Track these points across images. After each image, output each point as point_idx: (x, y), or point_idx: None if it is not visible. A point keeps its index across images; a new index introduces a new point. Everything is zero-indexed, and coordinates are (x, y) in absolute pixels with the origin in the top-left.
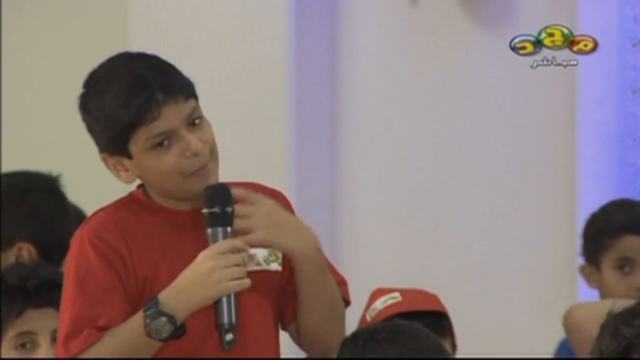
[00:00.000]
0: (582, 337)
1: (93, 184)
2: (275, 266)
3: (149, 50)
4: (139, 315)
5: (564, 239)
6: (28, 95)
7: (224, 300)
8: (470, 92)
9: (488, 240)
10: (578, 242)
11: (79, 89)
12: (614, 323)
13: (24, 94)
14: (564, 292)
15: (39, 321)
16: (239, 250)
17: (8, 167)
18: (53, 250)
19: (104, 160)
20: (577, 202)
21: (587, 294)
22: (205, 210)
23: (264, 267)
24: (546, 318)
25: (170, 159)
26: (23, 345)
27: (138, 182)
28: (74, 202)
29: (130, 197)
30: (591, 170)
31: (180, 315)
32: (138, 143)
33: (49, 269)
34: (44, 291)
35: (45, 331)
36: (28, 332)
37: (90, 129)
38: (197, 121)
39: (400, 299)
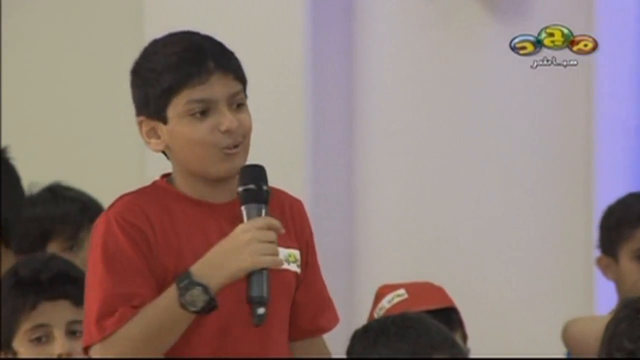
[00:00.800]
0: (582, 351)
1: (96, 186)
2: (294, 267)
3: None
4: (172, 289)
5: (581, 235)
6: (31, 94)
7: (256, 273)
8: (488, 87)
9: (505, 237)
10: (595, 237)
11: (88, 89)
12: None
13: (26, 93)
14: (580, 288)
15: (53, 313)
16: (274, 229)
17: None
18: (9, 223)
19: (139, 124)
20: (593, 200)
21: (604, 289)
22: (240, 188)
23: (286, 266)
24: (562, 315)
25: (203, 129)
26: (38, 339)
27: (159, 168)
28: (83, 190)
29: (154, 185)
30: (608, 166)
31: (214, 285)
32: (177, 106)
33: (62, 262)
34: (57, 283)
35: (60, 323)
36: (43, 325)
37: (135, 93)
38: (240, 106)
39: (406, 296)
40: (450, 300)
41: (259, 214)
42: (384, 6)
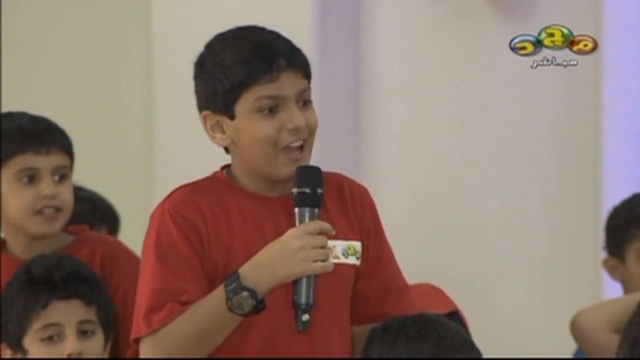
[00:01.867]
0: (591, 343)
1: (104, 186)
2: (353, 260)
3: (172, 47)
4: (220, 290)
5: (588, 235)
6: (34, 93)
7: (304, 279)
8: (488, 87)
9: (510, 236)
10: (602, 237)
11: (95, 88)
12: None
13: (30, 92)
14: (588, 288)
15: (65, 313)
16: (326, 233)
17: None
18: None
19: (204, 118)
20: (601, 199)
21: (611, 289)
22: (295, 190)
23: (342, 260)
24: (570, 316)
25: (271, 125)
26: (50, 338)
27: (218, 161)
28: (93, 190)
29: (214, 177)
30: (611, 165)
31: (261, 290)
32: (246, 102)
33: (74, 261)
34: (70, 282)
35: (71, 323)
36: (54, 324)
37: (200, 86)
38: (307, 103)
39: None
40: (452, 304)
41: (312, 218)
42: (389, 7)
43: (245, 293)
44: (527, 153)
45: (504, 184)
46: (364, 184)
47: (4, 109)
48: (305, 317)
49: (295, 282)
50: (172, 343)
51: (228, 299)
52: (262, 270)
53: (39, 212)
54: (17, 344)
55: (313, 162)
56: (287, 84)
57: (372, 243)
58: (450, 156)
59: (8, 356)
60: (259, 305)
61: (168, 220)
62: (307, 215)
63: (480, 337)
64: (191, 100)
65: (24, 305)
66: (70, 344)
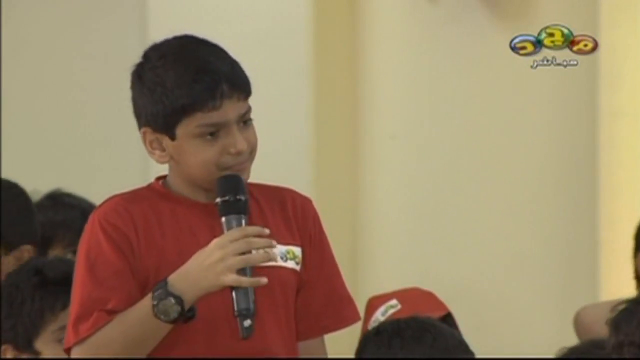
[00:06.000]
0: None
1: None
2: (292, 264)
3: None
4: (148, 297)
5: (585, 236)
6: (31, 98)
7: (236, 288)
8: (488, 87)
9: (506, 237)
10: (599, 237)
11: (90, 92)
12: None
13: (26, 96)
14: (585, 291)
15: None
16: (255, 236)
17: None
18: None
19: (143, 134)
20: (599, 199)
21: (608, 292)
22: (218, 199)
23: (280, 263)
24: (568, 317)
25: (213, 150)
26: None
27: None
28: (85, 195)
29: (149, 187)
30: (615, 165)
31: (188, 298)
32: (188, 127)
33: None
34: None
35: None
36: None
37: (137, 100)
38: (247, 122)
39: (399, 306)
40: (444, 307)
41: (239, 225)
42: (387, 8)
43: (170, 299)
44: (526, 153)
45: (502, 185)
46: (361, 186)
47: (4, 109)
48: (247, 322)
49: (232, 289)
50: (101, 351)
51: (154, 305)
52: (189, 279)
53: None
54: (26, 345)
55: (311, 164)
56: (229, 109)
57: (316, 252)
58: (449, 158)
59: (10, 357)
60: (188, 314)
61: (97, 230)
62: (234, 223)
63: (477, 337)
64: None
65: (39, 307)
66: None
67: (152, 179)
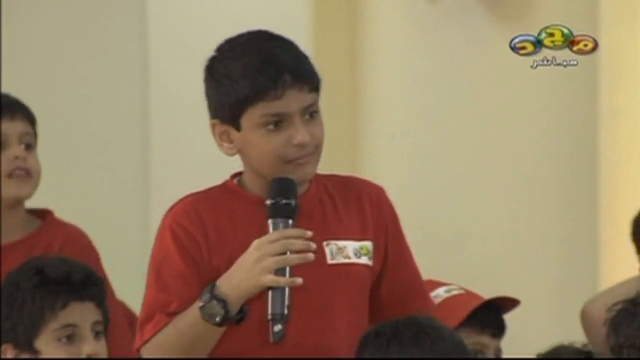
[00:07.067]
0: (595, 333)
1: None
2: (365, 260)
3: (168, 48)
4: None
5: (585, 235)
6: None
7: (274, 290)
8: (488, 87)
9: (507, 236)
10: (600, 238)
11: (90, 91)
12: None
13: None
14: (585, 291)
15: (81, 314)
16: (296, 237)
17: None
18: None
19: (212, 126)
20: (599, 199)
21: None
22: (268, 201)
23: (353, 260)
24: (568, 316)
25: (276, 141)
26: (69, 337)
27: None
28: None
29: (224, 185)
30: (614, 166)
31: (232, 300)
32: (251, 117)
33: (84, 264)
34: (86, 284)
35: (87, 323)
36: (72, 325)
37: (209, 93)
38: (313, 115)
39: (462, 291)
40: (479, 296)
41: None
42: (386, 8)
43: (214, 302)
44: (526, 153)
45: (502, 184)
46: None
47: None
48: (277, 327)
49: (269, 290)
50: (162, 352)
51: (201, 308)
52: (232, 282)
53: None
54: (26, 344)
55: None
56: (291, 100)
57: (394, 240)
58: (448, 158)
59: (11, 356)
60: (237, 316)
61: (167, 232)
62: (280, 227)
63: None
64: (187, 102)
65: (40, 306)
66: (89, 345)
67: (152, 179)
